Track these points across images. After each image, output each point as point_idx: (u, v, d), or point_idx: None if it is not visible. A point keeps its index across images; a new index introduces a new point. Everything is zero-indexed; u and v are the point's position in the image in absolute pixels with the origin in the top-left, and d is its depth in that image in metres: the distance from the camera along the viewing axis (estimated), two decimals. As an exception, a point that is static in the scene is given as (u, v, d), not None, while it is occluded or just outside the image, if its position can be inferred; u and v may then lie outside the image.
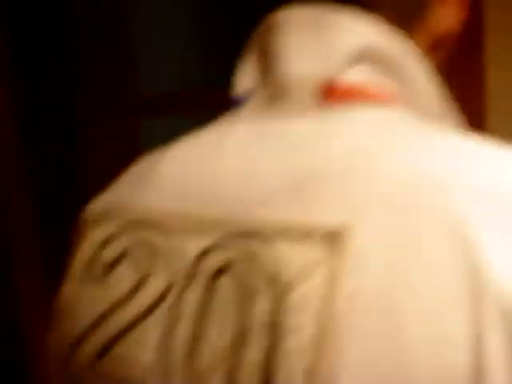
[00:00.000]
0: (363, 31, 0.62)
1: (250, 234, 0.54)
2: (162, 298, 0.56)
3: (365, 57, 0.61)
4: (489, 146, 0.56)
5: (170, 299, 0.56)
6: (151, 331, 0.56)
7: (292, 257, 0.51)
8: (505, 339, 0.48)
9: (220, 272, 0.54)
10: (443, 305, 0.49)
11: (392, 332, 0.49)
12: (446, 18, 0.68)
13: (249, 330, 0.51)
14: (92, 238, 0.62)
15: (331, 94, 0.60)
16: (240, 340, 0.52)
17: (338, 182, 0.54)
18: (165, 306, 0.56)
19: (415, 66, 0.64)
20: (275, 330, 0.51)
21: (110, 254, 0.60)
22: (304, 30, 0.62)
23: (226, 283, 0.54)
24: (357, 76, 0.61)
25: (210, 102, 1.67)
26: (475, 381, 0.48)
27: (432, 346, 0.49)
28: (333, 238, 0.51)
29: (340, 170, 0.55)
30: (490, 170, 0.53)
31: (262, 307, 0.51)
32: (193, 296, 0.55)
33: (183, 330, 0.54)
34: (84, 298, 0.61)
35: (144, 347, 0.56)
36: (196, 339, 0.54)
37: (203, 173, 0.60)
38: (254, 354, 0.51)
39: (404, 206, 0.51)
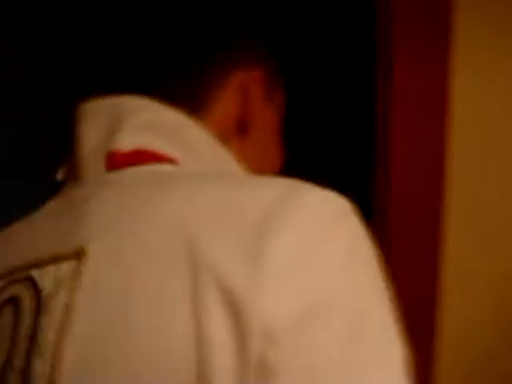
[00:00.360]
0: (145, 109, 0.75)
1: (27, 268, 0.69)
2: None
3: (148, 128, 0.74)
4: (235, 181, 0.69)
5: None
6: None
7: (50, 277, 0.66)
8: (226, 316, 0.59)
9: (6, 303, 0.68)
10: (165, 297, 0.61)
11: (123, 326, 0.61)
12: (234, 107, 0.79)
13: (15, 344, 0.66)
14: None
15: (114, 160, 0.73)
16: (9, 358, 0.65)
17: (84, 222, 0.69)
18: None
19: (197, 135, 0.76)
20: (32, 343, 0.64)
21: None
22: (96, 117, 0.76)
23: (7, 309, 0.68)
24: (139, 143, 0.73)
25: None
26: (199, 368, 0.58)
27: (155, 337, 0.60)
28: (75, 258, 0.66)
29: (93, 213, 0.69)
30: (219, 194, 0.65)
31: (26, 323, 0.65)
32: None
33: None
34: None
35: None
36: None
37: (13, 244, 0.75)
38: (18, 361, 0.65)
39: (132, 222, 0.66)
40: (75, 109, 0.77)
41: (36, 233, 0.73)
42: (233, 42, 0.81)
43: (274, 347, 0.58)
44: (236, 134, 0.80)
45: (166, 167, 0.73)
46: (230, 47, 0.80)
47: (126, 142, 0.73)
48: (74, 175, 0.75)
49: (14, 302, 0.67)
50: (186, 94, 0.77)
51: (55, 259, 0.67)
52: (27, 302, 0.66)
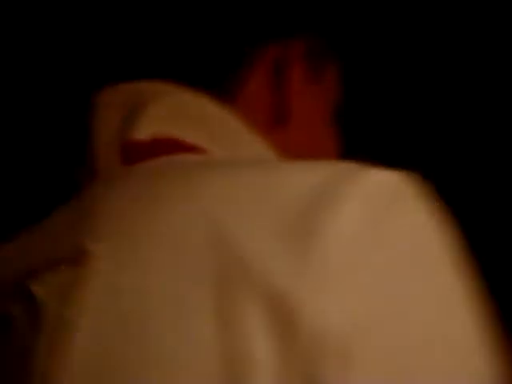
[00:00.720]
0: (167, 93, 0.66)
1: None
2: None
3: (169, 115, 0.65)
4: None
5: None
6: None
7: (46, 286, 0.57)
8: (268, 323, 0.49)
9: None
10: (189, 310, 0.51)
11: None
12: (267, 91, 0.68)
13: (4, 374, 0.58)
14: None
15: (131, 151, 0.64)
16: None
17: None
18: None
19: (225, 122, 0.66)
20: (23, 371, 0.55)
21: None
22: (112, 105, 0.66)
23: None
24: (160, 131, 0.64)
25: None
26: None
27: (176, 357, 0.51)
28: (76, 261, 0.56)
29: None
30: (252, 181, 0.56)
31: (18, 345, 0.56)
32: None
33: None
34: None
35: None
36: None
37: (9, 256, 0.64)
38: None
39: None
40: (89, 99, 0.69)
41: (32, 240, 0.63)
42: (263, 12, 0.69)
43: (341, 360, 0.49)
44: (274, 122, 0.69)
45: (189, 157, 0.64)
46: (260, 18, 0.68)
47: (144, 131, 0.64)
48: (90, 173, 0.67)
49: (3, 321, 0.58)
50: (210, 76, 0.67)
51: (52, 265, 0.57)
52: (19, 320, 0.57)
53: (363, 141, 0.83)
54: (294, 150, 0.69)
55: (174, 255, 0.54)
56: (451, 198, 0.60)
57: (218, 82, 0.67)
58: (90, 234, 0.57)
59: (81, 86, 0.73)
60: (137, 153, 0.64)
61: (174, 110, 0.65)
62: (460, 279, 0.54)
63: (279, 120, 0.69)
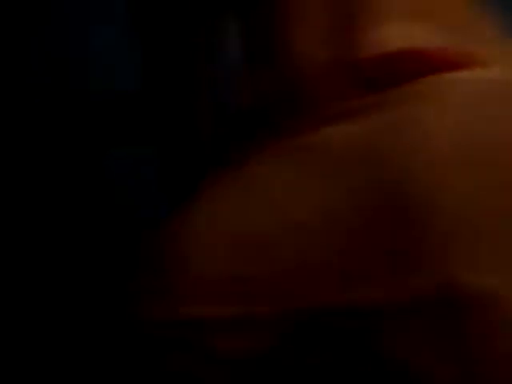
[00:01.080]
0: None
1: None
2: None
3: (414, 16, 0.45)
4: None
5: None
6: None
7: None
8: None
9: None
10: None
11: None
12: None
13: None
14: None
15: (369, 69, 0.44)
16: None
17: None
18: None
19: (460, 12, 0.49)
20: None
21: None
22: (310, 11, 0.47)
23: None
24: (408, 38, 0.44)
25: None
26: None
27: None
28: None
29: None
30: None
31: None
32: None
33: None
34: None
35: None
36: None
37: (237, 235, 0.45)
38: None
39: None
40: None
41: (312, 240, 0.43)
42: None
43: None
44: None
45: (474, 75, 0.45)
46: None
47: (376, 41, 0.44)
48: (282, 101, 0.47)
49: None
50: None
51: (401, 303, 0.39)
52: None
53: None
54: None
55: None
56: None
57: None
58: (468, 259, 0.39)
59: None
60: (374, 73, 0.44)
61: (416, 5, 0.47)
62: None
63: None
